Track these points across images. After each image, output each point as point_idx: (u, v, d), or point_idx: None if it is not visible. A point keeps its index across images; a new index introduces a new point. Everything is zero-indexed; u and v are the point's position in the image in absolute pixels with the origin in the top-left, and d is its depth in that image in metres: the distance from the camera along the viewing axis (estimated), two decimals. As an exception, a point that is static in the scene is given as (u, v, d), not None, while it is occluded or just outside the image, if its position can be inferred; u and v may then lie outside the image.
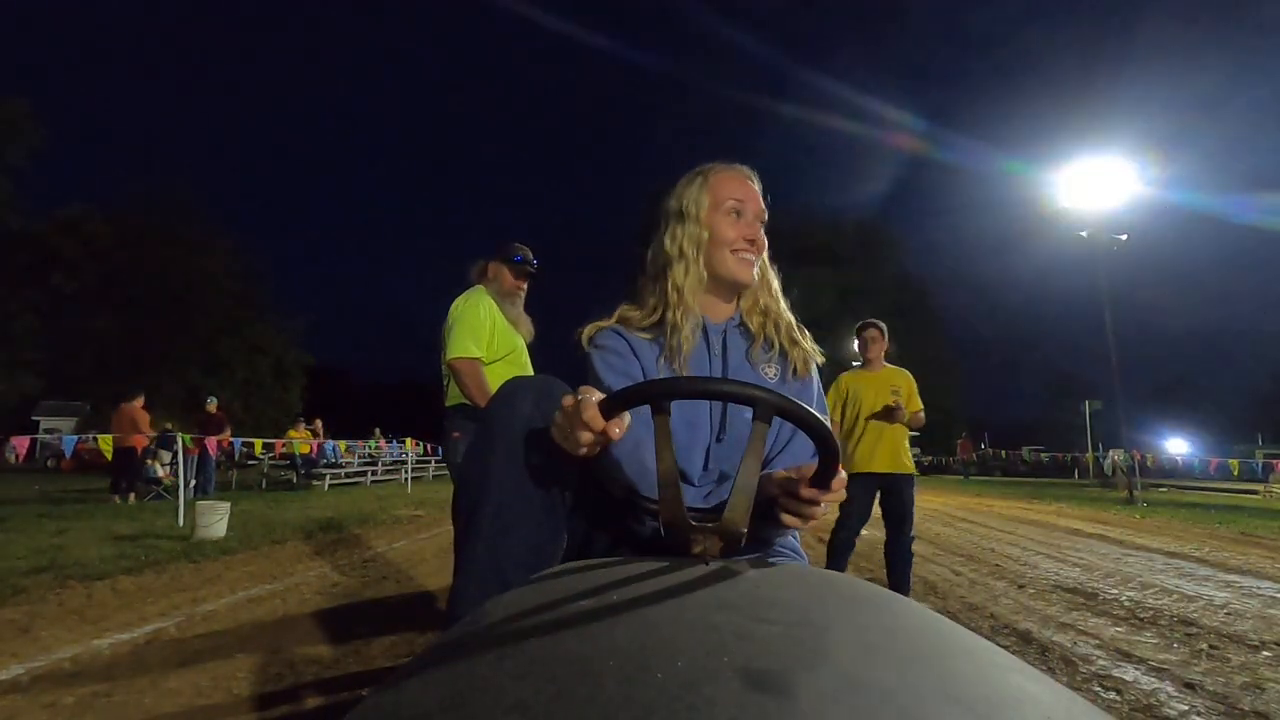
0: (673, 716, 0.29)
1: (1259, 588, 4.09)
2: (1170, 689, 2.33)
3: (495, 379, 2.48)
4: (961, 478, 23.42)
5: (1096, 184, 13.59)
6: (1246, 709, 2.15)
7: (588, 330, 1.09)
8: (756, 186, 1.10)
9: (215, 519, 5.24)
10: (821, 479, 0.70)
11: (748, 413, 0.98)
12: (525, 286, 2.72)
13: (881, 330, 3.68)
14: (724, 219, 1.05)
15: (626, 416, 0.71)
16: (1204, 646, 2.85)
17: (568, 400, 0.70)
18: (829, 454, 0.68)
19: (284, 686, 2.13)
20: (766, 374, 1.05)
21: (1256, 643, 2.90)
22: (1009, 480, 23.04)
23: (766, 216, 1.09)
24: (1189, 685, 2.36)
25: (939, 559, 5.16)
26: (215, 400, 10.18)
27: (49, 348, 21.93)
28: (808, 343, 1.11)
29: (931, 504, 10.95)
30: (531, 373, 2.67)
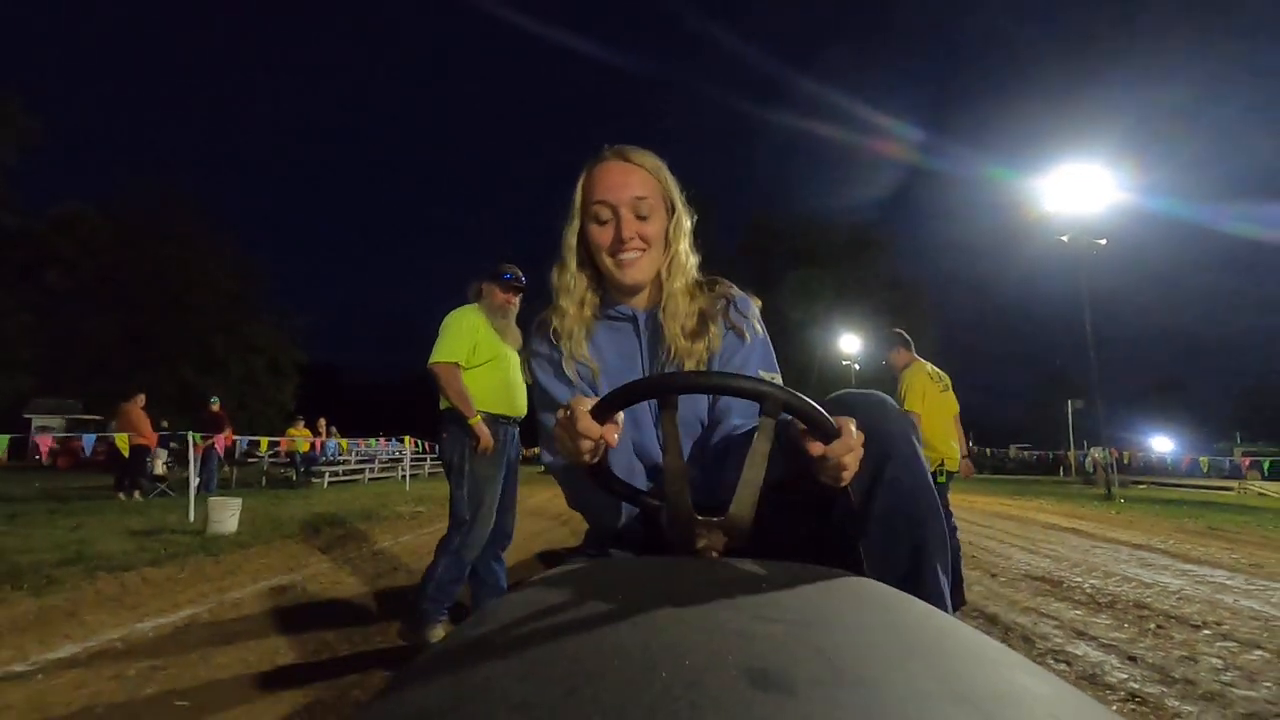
0: (676, 716, 0.29)
1: (1212, 576, 4.40)
2: (1114, 661, 2.61)
3: (477, 382, 2.77)
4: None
5: (1077, 190, 14.06)
6: (1178, 677, 2.43)
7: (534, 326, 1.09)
8: (634, 170, 1.00)
9: (228, 514, 5.44)
10: (820, 438, 0.68)
11: (690, 400, 0.97)
12: (515, 300, 2.97)
13: (889, 340, 4.07)
14: (592, 224, 1.01)
15: (620, 417, 0.72)
16: (1152, 626, 3.14)
17: (561, 413, 0.70)
18: (815, 427, 0.66)
19: (324, 659, 2.38)
20: (693, 357, 1.02)
21: (1199, 623, 3.19)
22: (996, 478, 23.50)
23: (655, 197, 1.01)
24: (1131, 658, 2.64)
25: (919, 551, 5.45)
26: (218, 400, 10.33)
27: (44, 345, 21.88)
28: (751, 323, 1.06)
29: (917, 500, 11.26)
30: (518, 378, 2.95)
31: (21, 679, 2.18)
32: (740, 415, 0.99)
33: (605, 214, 0.99)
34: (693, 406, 0.99)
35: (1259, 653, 2.72)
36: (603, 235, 1.00)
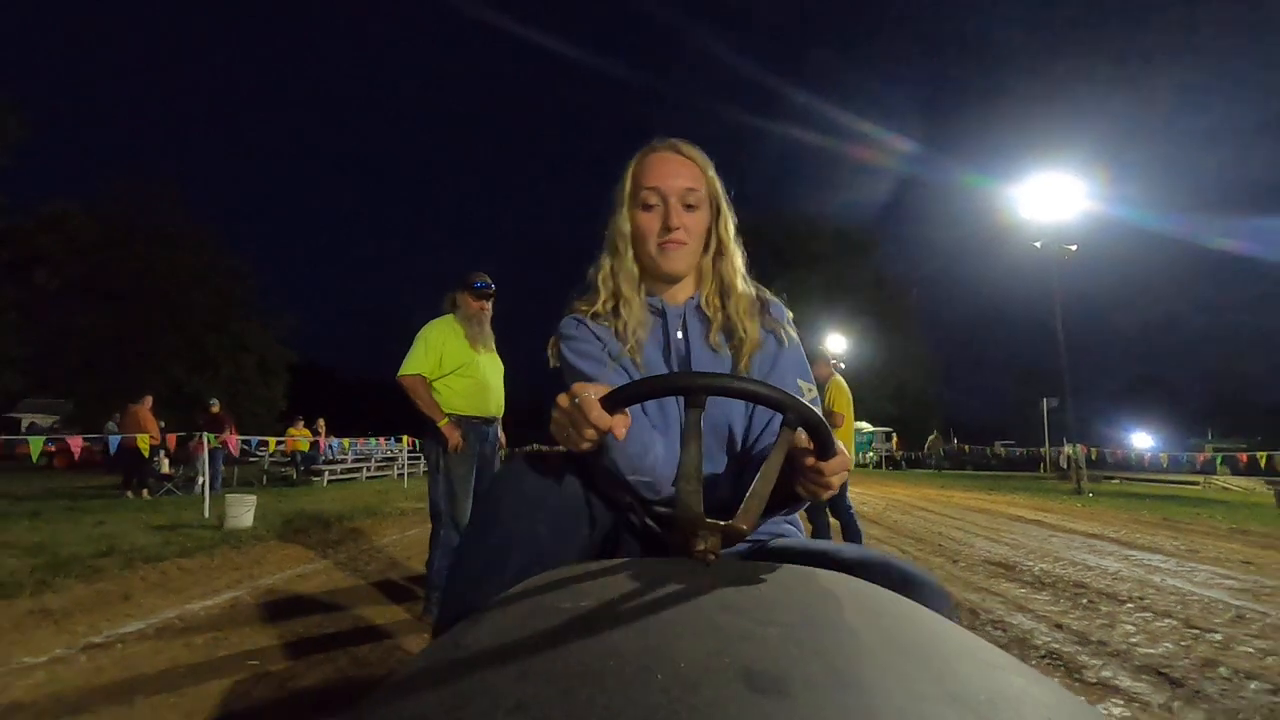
0: (673, 717, 0.29)
1: (1150, 560, 4.86)
2: (1043, 629, 3.03)
3: (450, 387, 3.12)
4: (934, 470, 24.56)
5: (1049, 198, 14.74)
6: (1094, 640, 2.85)
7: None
8: (685, 163, 1.03)
9: (244, 510, 5.76)
10: (818, 454, 0.72)
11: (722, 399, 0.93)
12: (487, 307, 3.26)
13: (815, 355, 4.80)
14: (639, 210, 1.02)
15: (628, 412, 0.71)
16: (1084, 601, 3.57)
17: (563, 399, 0.70)
18: (822, 445, 0.70)
19: (363, 627, 2.74)
20: (726, 357, 1.04)
21: (1126, 599, 3.63)
22: (977, 474, 24.21)
23: (703, 192, 1.03)
24: (1059, 626, 3.07)
25: (891, 540, 5.89)
26: (218, 401, 10.58)
27: (33, 345, 21.88)
28: (787, 329, 1.07)
29: (896, 495, 11.77)
30: (492, 380, 3.23)
31: (104, 648, 2.52)
32: (774, 430, 0.97)
33: (654, 200, 1.01)
34: (724, 410, 0.97)
35: (1168, 621, 3.16)
36: (649, 222, 1.02)
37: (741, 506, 0.63)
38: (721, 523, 0.62)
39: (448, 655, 0.41)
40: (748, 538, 0.69)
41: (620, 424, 0.70)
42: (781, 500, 0.75)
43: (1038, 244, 14.66)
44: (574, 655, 0.37)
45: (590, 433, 0.69)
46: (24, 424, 22.19)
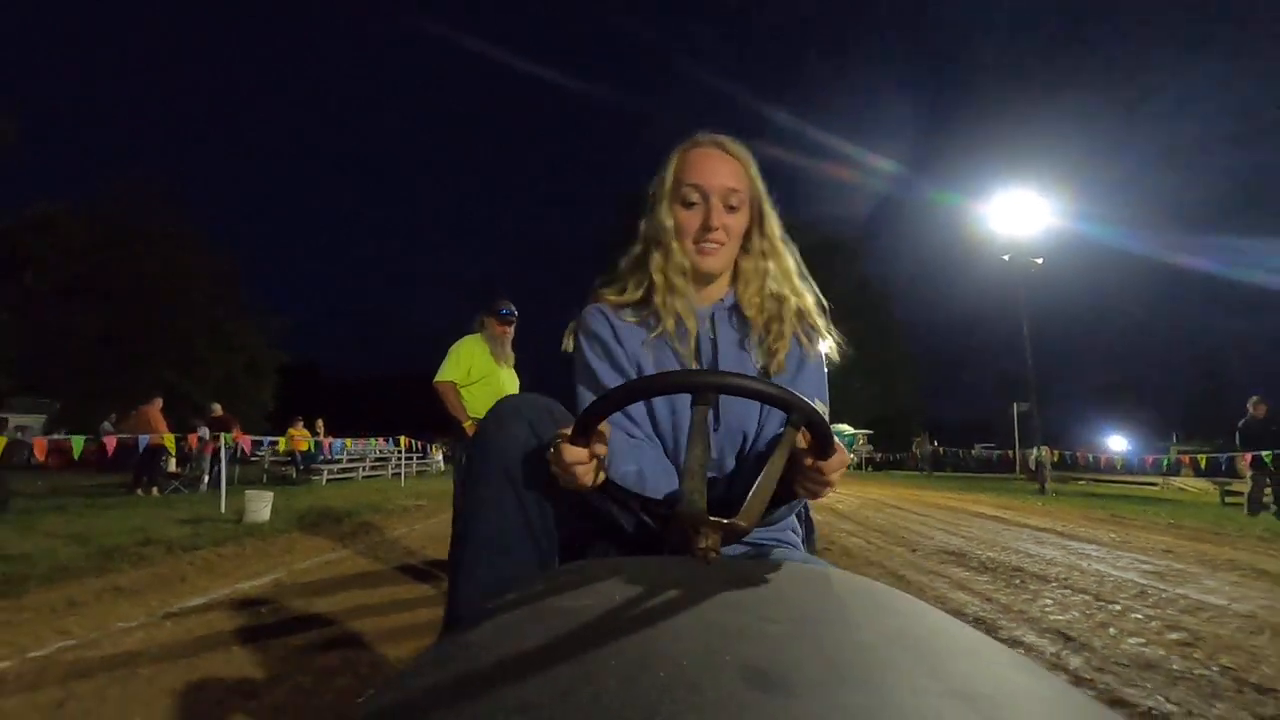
0: (675, 716, 0.29)
1: (1084, 549, 5.46)
2: (976, 601, 3.58)
3: (473, 395, 3.67)
4: (919, 473, 25.38)
5: (1016, 214, 15.62)
6: (1015, 610, 3.40)
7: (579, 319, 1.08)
8: (729, 161, 1.01)
9: (262, 506, 6.17)
10: (818, 453, 0.72)
11: (740, 403, 0.93)
12: (509, 330, 3.88)
13: None
14: (678, 206, 1.00)
15: (606, 426, 0.73)
16: (1017, 582, 4.13)
17: (551, 457, 0.72)
18: (822, 444, 0.71)
19: (399, 600, 3.22)
20: (758, 363, 1.02)
21: (1053, 579, 4.19)
22: (955, 475, 25.06)
23: (745, 192, 1.02)
24: (989, 600, 3.62)
25: (860, 534, 6.45)
26: (219, 405, 10.94)
27: (23, 345, 21.88)
28: (832, 338, 1.09)
29: (871, 494, 12.40)
30: (505, 391, 3.77)
31: (182, 616, 2.97)
32: (776, 428, 0.98)
33: (694, 197, 1.00)
34: (739, 417, 0.97)
35: (1082, 596, 3.72)
36: (689, 219, 1.00)
37: (744, 504, 0.63)
38: (724, 521, 0.62)
39: (449, 656, 0.41)
40: (747, 539, 0.70)
41: (598, 445, 0.72)
42: (779, 498, 0.75)
43: (1005, 257, 15.53)
44: (575, 654, 0.37)
45: (580, 469, 0.71)
46: (11, 425, 22.20)
